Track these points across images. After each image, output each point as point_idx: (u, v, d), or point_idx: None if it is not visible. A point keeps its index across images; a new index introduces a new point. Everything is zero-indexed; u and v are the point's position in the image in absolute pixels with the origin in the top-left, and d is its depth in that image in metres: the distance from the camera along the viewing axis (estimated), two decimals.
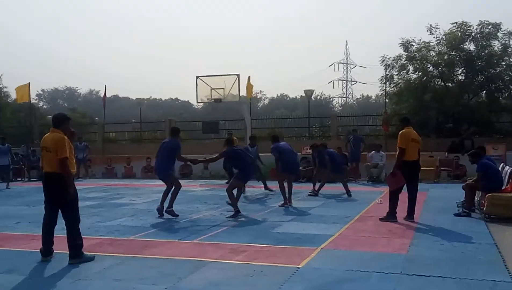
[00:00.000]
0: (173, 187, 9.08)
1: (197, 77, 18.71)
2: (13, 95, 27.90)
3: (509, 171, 9.10)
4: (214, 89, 18.33)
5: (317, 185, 12.30)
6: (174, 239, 7.07)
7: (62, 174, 5.68)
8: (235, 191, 9.15)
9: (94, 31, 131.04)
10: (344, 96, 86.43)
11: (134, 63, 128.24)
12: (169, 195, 9.07)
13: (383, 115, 20.90)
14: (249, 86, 19.65)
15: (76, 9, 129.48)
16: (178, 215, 8.91)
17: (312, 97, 27.55)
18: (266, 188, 12.94)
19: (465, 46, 21.32)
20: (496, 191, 8.33)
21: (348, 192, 11.90)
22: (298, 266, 5.38)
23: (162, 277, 5.09)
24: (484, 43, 20.95)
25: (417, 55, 21.70)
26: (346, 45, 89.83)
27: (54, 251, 5.91)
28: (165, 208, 8.97)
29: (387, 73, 22.06)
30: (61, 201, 5.78)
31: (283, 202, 10.29)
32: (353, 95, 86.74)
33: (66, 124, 6.01)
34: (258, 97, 69.18)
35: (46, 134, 5.97)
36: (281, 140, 11.43)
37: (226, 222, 8.44)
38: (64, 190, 5.69)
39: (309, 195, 12.02)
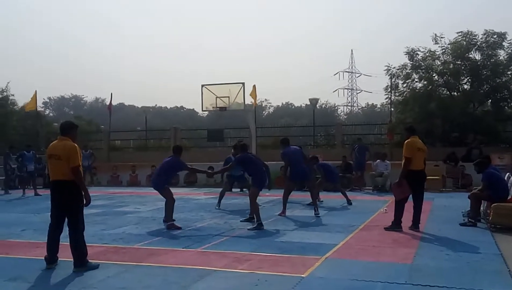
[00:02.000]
0: (166, 200, 8.95)
1: (202, 86, 18.81)
2: (20, 103, 28.11)
3: None
4: (219, 97, 18.42)
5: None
6: (179, 247, 7.06)
7: (75, 181, 5.74)
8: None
9: (101, 40, 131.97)
10: (349, 104, 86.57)
11: (140, 71, 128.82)
12: (165, 208, 8.93)
13: (388, 124, 20.88)
14: (254, 95, 19.69)
15: (82, 17, 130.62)
16: (180, 228, 8.64)
17: (317, 105, 27.54)
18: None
19: (470, 56, 21.28)
20: (501, 201, 8.29)
21: (348, 200, 11.92)
22: (302, 275, 5.36)
23: (167, 286, 5.09)
24: (490, 52, 20.91)
25: (422, 64, 21.66)
26: (351, 54, 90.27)
27: (59, 259, 5.93)
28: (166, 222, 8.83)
29: (392, 82, 22.05)
30: (69, 209, 5.81)
31: (281, 211, 10.12)
32: (358, 104, 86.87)
33: (74, 131, 6.08)
34: (263, 105, 69.29)
35: (54, 142, 6.01)
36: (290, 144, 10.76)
37: (231, 230, 8.44)
38: (74, 197, 5.76)
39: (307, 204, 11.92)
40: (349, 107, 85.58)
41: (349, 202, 11.91)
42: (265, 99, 72.47)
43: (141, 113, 34.38)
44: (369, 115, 61.18)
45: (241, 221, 9.27)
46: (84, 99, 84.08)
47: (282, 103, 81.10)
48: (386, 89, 22.82)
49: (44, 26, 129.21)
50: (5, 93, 27.33)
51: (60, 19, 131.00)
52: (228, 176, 12.63)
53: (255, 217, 8.70)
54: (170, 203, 8.85)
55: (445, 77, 21.52)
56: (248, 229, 8.49)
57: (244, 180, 12.40)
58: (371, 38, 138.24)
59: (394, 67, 22.02)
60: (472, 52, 21.25)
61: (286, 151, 10.03)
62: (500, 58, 21.01)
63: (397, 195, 8.31)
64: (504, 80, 20.84)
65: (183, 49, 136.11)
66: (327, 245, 6.94)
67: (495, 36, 20.83)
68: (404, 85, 22.22)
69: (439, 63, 21.77)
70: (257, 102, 21.32)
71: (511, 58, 20.71)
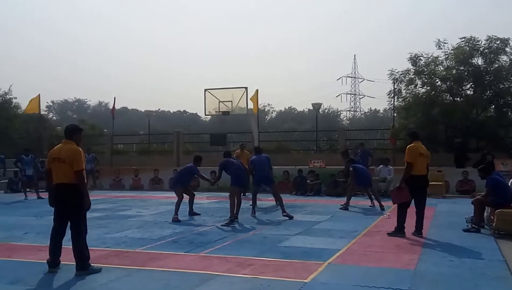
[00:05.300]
0: (177, 199, 10.57)
1: (205, 90, 18.80)
2: (23, 106, 28.17)
3: None
4: (222, 102, 18.39)
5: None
6: (181, 251, 7.06)
7: (77, 185, 5.75)
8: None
9: (105, 43, 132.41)
10: (352, 109, 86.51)
11: (143, 75, 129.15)
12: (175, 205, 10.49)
13: (391, 129, 20.84)
14: (255, 101, 19.66)
15: (85, 20, 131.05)
16: (180, 220, 10.00)
17: (320, 110, 27.55)
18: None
19: (473, 61, 21.28)
20: (505, 207, 8.25)
21: (381, 206, 11.70)
22: (305, 280, 5.35)
23: None
24: (493, 58, 20.90)
25: (425, 69, 21.66)
26: (354, 59, 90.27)
27: (61, 262, 5.93)
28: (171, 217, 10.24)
29: (395, 87, 22.05)
30: (72, 212, 5.82)
31: (252, 212, 11.04)
32: (361, 109, 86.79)
33: (79, 135, 6.10)
34: (266, 110, 69.20)
35: (58, 145, 6.03)
36: (261, 152, 11.83)
37: (233, 235, 8.43)
38: (77, 200, 5.76)
39: (340, 208, 11.96)
40: (352, 112, 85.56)
41: (382, 207, 11.66)
42: (268, 104, 72.48)
43: (144, 117, 34.46)
44: (372, 120, 61.19)
45: (221, 225, 9.55)
46: (87, 103, 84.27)
47: (285, 108, 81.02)
48: (389, 94, 22.81)
49: (47, 29, 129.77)
50: (7, 96, 27.41)
51: (63, 21, 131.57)
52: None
53: (230, 212, 9.77)
54: (178, 201, 10.50)
55: (448, 82, 21.52)
56: (221, 225, 9.41)
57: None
58: (374, 44, 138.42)
59: (398, 72, 22.05)
60: (475, 57, 21.26)
61: (254, 159, 11.16)
62: (503, 63, 21.00)
63: (395, 199, 8.29)
64: (507, 85, 20.83)
65: (186, 53, 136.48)
66: (330, 250, 6.92)
67: (498, 42, 20.84)
68: (407, 91, 22.25)
69: (442, 68, 21.77)
70: (260, 106, 21.30)
71: None
